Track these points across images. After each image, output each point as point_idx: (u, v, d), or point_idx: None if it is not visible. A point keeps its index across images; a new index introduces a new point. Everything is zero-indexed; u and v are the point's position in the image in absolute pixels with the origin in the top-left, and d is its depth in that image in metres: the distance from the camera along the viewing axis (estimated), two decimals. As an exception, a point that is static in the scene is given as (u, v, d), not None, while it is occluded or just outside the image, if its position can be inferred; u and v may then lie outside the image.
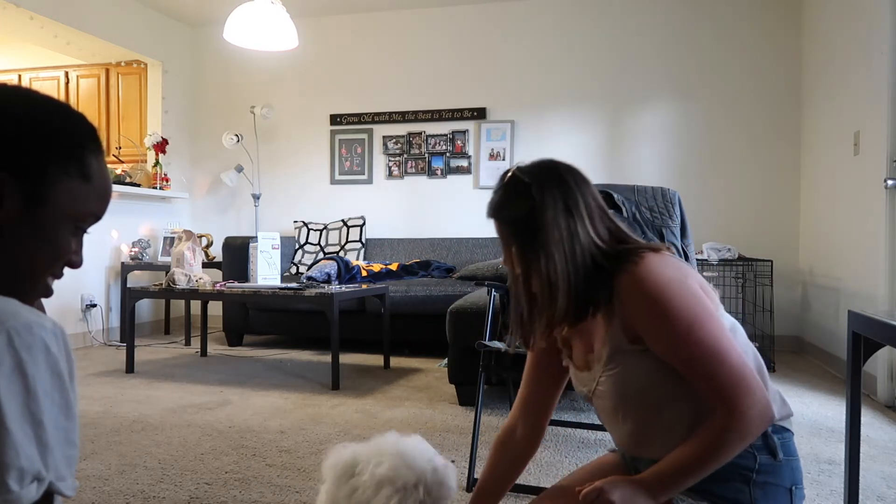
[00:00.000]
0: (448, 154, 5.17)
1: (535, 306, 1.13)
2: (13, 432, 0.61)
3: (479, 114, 5.11)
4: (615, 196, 2.15)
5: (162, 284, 3.67)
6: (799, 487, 1.08)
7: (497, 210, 1.13)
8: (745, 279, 4.33)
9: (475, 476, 2.01)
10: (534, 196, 1.08)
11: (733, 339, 1.07)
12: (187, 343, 4.69)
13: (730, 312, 4.08)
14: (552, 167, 1.13)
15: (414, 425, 2.66)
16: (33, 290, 0.75)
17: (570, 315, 1.10)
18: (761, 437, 1.06)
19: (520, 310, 1.16)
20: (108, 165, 5.16)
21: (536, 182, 1.09)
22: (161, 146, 5.09)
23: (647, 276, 1.04)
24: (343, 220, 5.08)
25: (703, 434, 1.00)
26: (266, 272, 3.67)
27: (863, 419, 2.21)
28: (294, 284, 3.55)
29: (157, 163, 5.12)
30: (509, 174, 1.13)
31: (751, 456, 1.05)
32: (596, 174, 4.85)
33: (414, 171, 5.24)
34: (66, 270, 0.79)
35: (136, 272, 5.03)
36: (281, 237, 4.02)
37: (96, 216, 0.78)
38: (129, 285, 4.73)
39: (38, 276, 0.75)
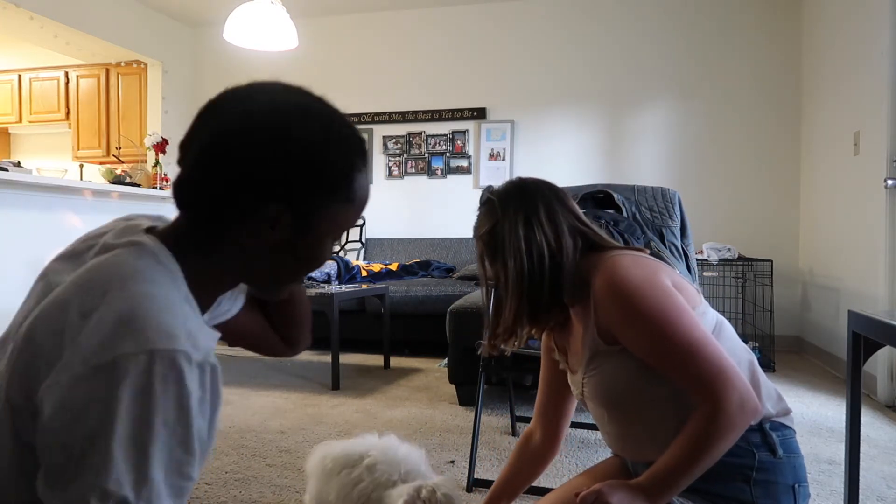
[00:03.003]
0: (448, 154, 5.17)
1: (501, 314, 1.18)
2: (113, 453, 0.60)
3: (479, 114, 5.11)
4: (615, 196, 2.15)
5: (162, 284, 3.66)
6: (803, 485, 1.07)
7: (474, 231, 1.23)
8: (745, 279, 4.33)
9: (475, 476, 2.01)
10: (497, 211, 1.16)
11: (718, 335, 1.08)
12: (187, 343, 4.68)
13: (730, 312, 4.07)
14: (517, 184, 1.20)
15: (414, 425, 2.65)
16: (282, 294, 0.88)
17: (527, 318, 1.16)
18: (760, 435, 1.06)
19: (491, 317, 1.22)
20: (110, 166, 5.18)
21: (499, 198, 1.18)
22: (161, 146, 5.08)
23: (615, 277, 1.06)
24: (343, 220, 5.08)
25: (688, 431, 1.00)
26: (266, 272, 3.67)
27: (863, 419, 2.21)
28: (294, 284, 3.55)
29: (157, 163, 5.11)
30: (482, 196, 1.23)
31: (750, 454, 1.05)
32: (596, 174, 4.86)
33: (414, 171, 5.24)
34: None
35: (136, 272, 5.03)
36: (281, 237, 4.02)
37: (354, 225, 0.84)
38: (129, 285, 4.73)
39: (297, 281, 0.84)
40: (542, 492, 1.85)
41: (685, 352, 1.00)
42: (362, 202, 0.80)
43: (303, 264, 0.79)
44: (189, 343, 0.65)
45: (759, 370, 1.12)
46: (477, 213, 1.23)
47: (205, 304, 0.78)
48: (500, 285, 1.16)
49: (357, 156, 0.77)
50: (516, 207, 1.15)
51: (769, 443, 1.06)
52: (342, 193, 0.76)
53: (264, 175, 0.71)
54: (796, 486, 1.06)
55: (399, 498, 1.35)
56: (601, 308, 1.08)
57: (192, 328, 0.66)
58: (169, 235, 0.75)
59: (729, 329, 1.15)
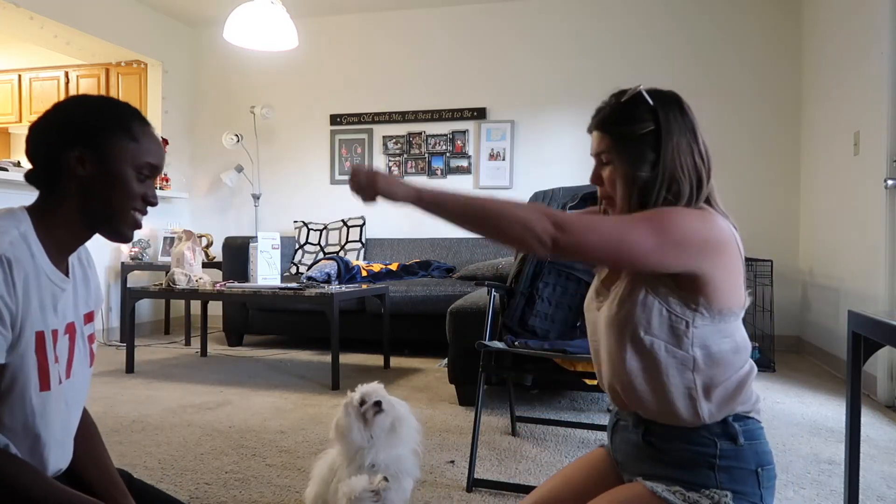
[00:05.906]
0: (448, 154, 5.17)
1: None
2: None
3: (479, 114, 5.11)
4: (615, 196, 2.14)
5: (162, 284, 3.67)
6: (766, 468, 1.10)
7: (609, 123, 1.15)
8: (746, 279, 4.33)
9: (475, 476, 2.01)
10: (659, 120, 1.12)
11: (730, 347, 1.11)
12: (187, 343, 4.69)
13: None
14: (678, 99, 1.17)
15: (414, 425, 2.65)
16: (123, 222, 1.10)
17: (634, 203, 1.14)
18: (721, 425, 1.09)
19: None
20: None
21: (663, 108, 1.14)
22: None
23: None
24: (343, 220, 5.08)
25: (512, 203, 1.04)
26: (266, 272, 3.68)
27: (863, 419, 2.21)
28: (294, 284, 3.55)
29: (157, 163, 5.12)
30: (632, 92, 1.15)
31: (712, 443, 1.09)
32: (596, 174, 4.86)
33: (414, 171, 5.24)
34: None
35: (136, 272, 5.03)
36: (281, 237, 4.02)
37: (151, 166, 1.11)
38: (129, 285, 4.73)
39: (124, 210, 1.09)
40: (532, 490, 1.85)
41: (638, 219, 1.06)
42: (149, 145, 1.10)
43: (117, 193, 1.07)
44: None
45: (751, 380, 1.12)
46: (614, 105, 1.14)
47: (59, 245, 1.08)
48: (625, 193, 1.13)
49: (127, 111, 1.11)
50: (681, 124, 1.14)
51: (730, 433, 1.09)
52: (124, 134, 1.07)
53: (61, 134, 1.05)
54: (759, 469, 1.09)
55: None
56: None
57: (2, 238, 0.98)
58: (32, 204, 1.10)
59: (744, 341, 1.16)
